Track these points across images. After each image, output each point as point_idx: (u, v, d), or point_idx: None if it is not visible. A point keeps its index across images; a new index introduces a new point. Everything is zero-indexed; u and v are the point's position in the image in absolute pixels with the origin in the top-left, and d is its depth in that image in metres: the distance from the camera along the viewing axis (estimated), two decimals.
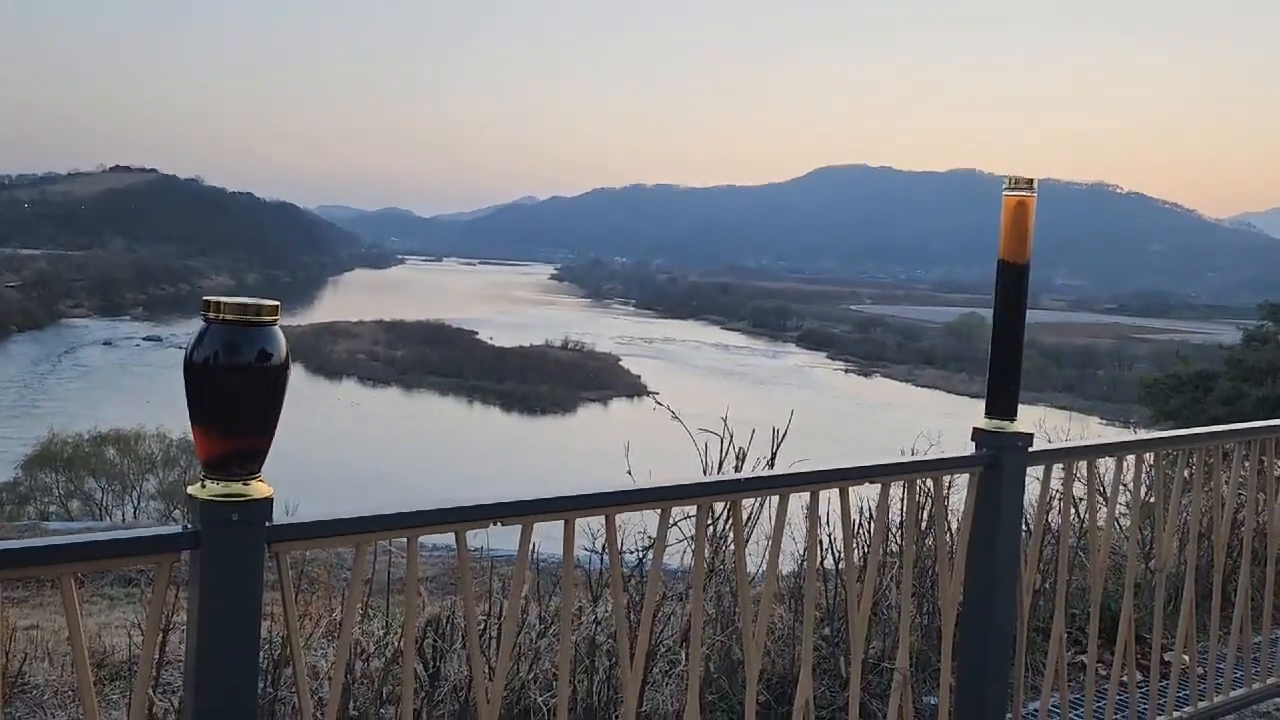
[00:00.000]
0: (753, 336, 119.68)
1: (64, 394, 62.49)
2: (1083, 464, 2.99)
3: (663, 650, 3.22)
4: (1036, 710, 2.95)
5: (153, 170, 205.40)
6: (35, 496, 29.46)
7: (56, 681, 3.28)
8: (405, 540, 1.86)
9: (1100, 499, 3.16)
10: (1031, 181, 2.55)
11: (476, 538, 2.02)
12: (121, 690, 3.26)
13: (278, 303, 1.52)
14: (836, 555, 3.52)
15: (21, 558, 1.51)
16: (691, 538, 2.28)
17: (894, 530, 3.60)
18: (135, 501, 29.81)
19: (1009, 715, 2.75)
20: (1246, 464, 3.40)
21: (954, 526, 2.77)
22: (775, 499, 2.33)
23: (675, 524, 2.38)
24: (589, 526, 2.19)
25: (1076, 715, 3.28)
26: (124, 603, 9.65)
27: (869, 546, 2.75)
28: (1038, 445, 2.70)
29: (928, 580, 3.71)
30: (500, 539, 2.36)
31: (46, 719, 2.96)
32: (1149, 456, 3.13)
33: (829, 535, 3.38)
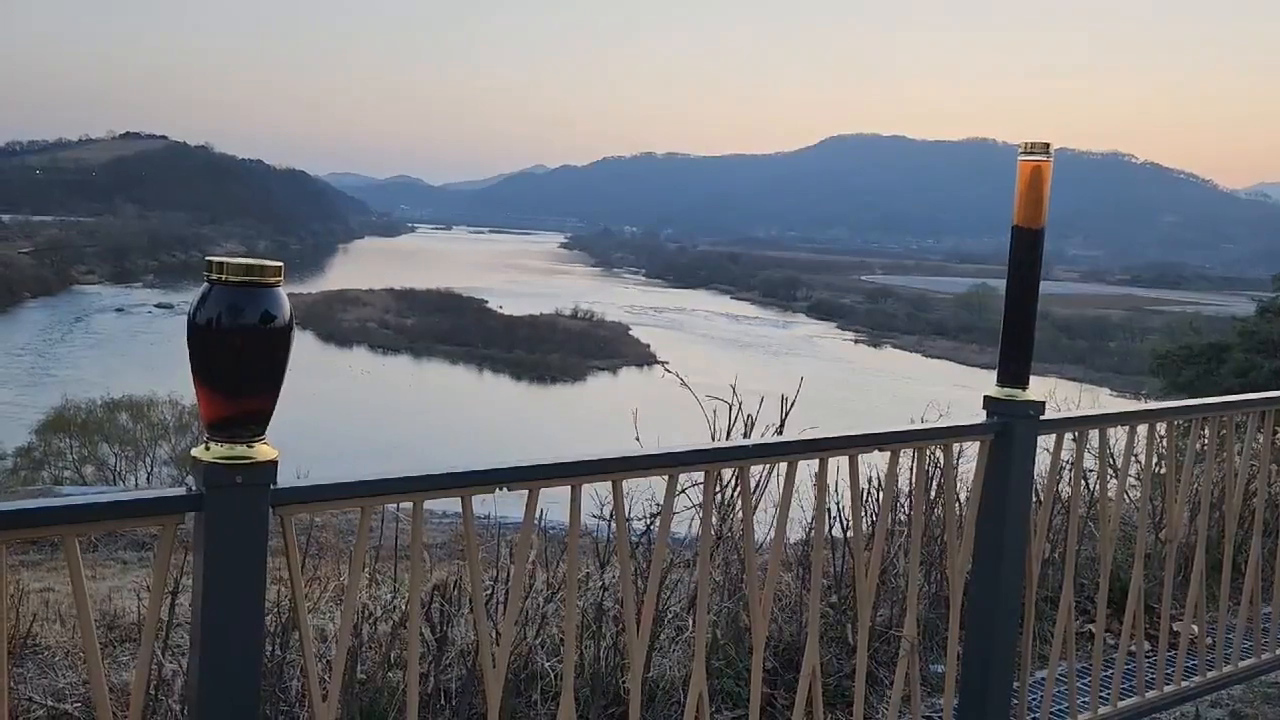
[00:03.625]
0: (762, 306, 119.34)
1: (77, 361, 62.82)
2: (1094, 433, 2.97)
3: (669, 617, 3.22)
4: (1044, 679, 2.95)
5: (163, 137, 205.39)
6: (49, 462, 29.74)
7: (68, 643, 3.31)
8: (411, 505, 1.86)
9: (1111, 469, 3.14)
10: (1048, 146, 2.50)
11: (484, 504, 2.01)
12: (131, 652, 3.28)
13: (281, 264, 1.51)
14: (844, 523, 3.51)
15: (26, 519, 1.51)
16: (699, 505, 2.27)
17: (903, 498, 3.59)
18: (149, 467, 30.06)
19: (1016, 684, 2.75)
20: (1259, 435, 3.37)
21: (963, 495, 2.75)
22: (783, 466, 2.31)
23: (683, 491, 2.37)
24: (596, 493, 2.18)
25: (1084, 684, 3.28)
26: (137, 566, 9.75)
27: (877, 514, 2.74)
28: (1049, 414, 2.68)
29: (936, 548, 3.70)
30: (508, 505, 2.36)
31: (57, 679, 2.98)
32: (1161, 426, 3.10)
33: (837, 503, 3.37)
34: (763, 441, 2.72)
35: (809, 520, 2.47)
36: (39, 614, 3.77)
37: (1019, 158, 2.51)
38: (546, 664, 2.97)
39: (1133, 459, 3.34)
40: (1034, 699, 3.00)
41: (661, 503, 2.18)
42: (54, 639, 3.41)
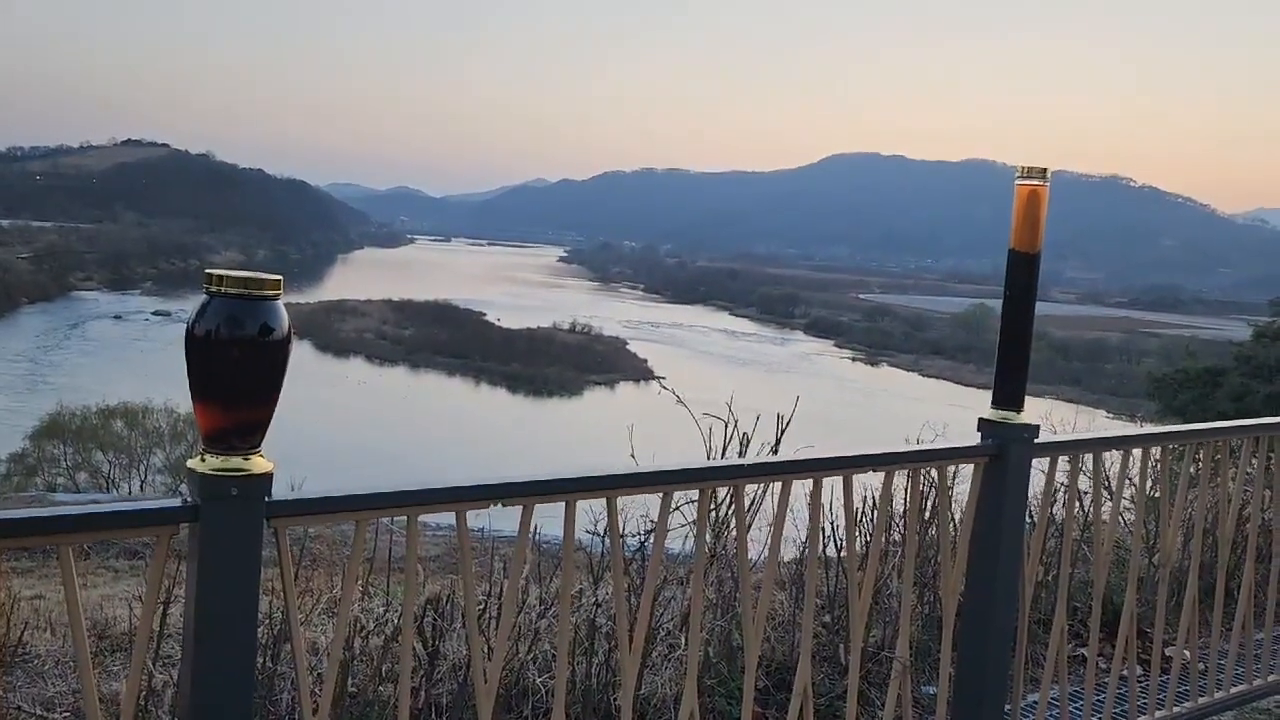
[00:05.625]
0: (760, 323, 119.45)
1: (73, 367, 62.74)
2: (1088, 457, 2.97)
3: (662, 634, 3.22)
4: (1036, 702, 2.94)
5: (164, 145, 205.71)
6: (43, 468, 29.68)
7: (58, 652, 3.30)
8: (406, 518, 1.86)
9: (1105, 492, 3.14)
10: (1045, 171, 2.52)
11: (478, 518, 2.01)
12: (122, 662, 3.27)
13: (280, 277, 1.51)
14: (838, 543, 3.51)
15: (21, 527, 1.51)
16: (693, 522, 2.27)
17: (897, 519, 3.59)
18: (142, 475, 29.99)
19: (1008, 706, 2.75)
20: (1254, 460, 3.38)
21: (957, 517, 2.76)
22: (778, 485, 2.32)
23: (678, 508, 2.37)
24: (591, 509, 2.18)
25: (1076, 708, 3.28)
26: (128, 575, 9.73)
27: (871, 535, 2.74)
28: (1044, 437, 2.69)
29: (929, 570, 3.70)
30: (502, 519, 2.36)
31: (47, 688, 2.97)
32: (1155, 451, 3.11)
33: (831, 523, 3.38)
34: (757, 461, 2.72)
35: (803, 539, 2.47)
36: (29, 622, 3.75)
37: (1016, 182, 2.52)
38: (538, 680, 2.97)
39: (1127, 482, 3.34)
40: None
41: (656, 519, 2.18)
42: (44, 647, 3.40)
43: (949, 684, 2.66)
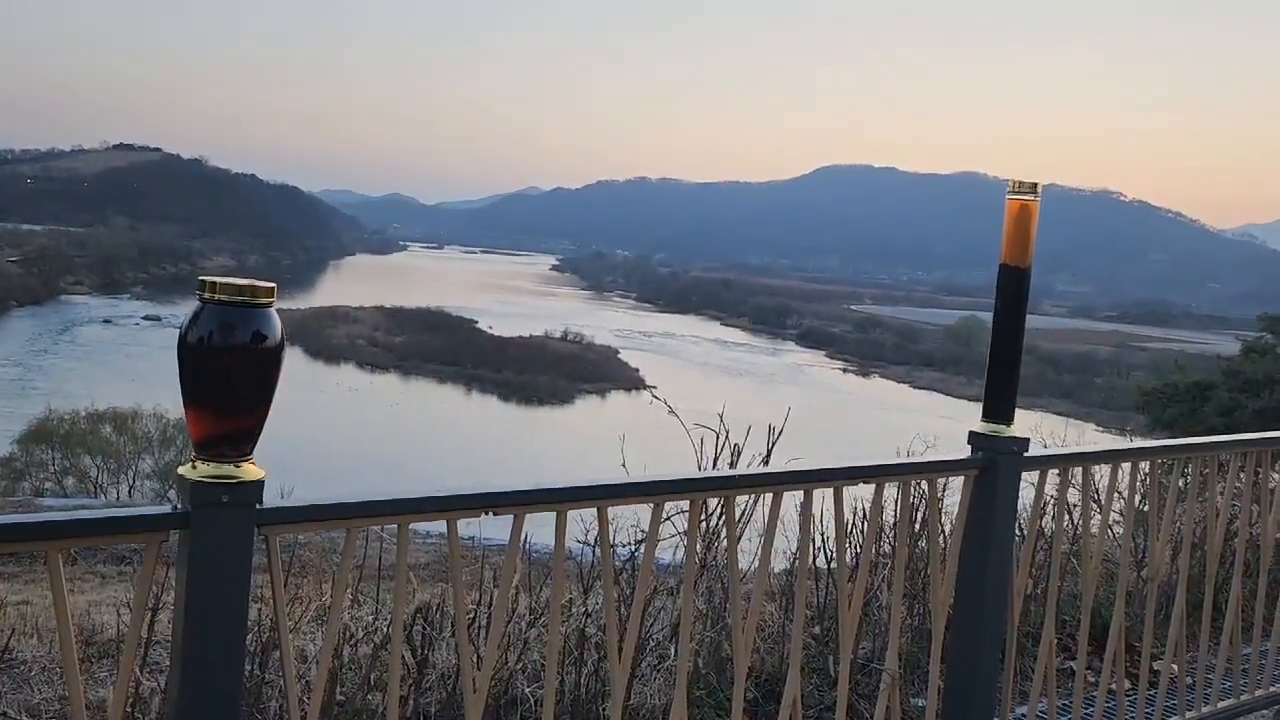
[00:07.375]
0: (752, 333, 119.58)
1: (62, 372, 62.44)
2: (1078, 470, 2.99)
3: (652, 644, 3.22)
4: (1024, 715, 2.95)
5: (157, 149, 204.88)
6: (31, 472, 29.50)
7: (44, 658, 3.28)
8: (396, 526, 1.86)
9: (1094, 506, 3.15)
10: (1035, 186, 2.54)
11: (468, 527, 2.01)
12: (109, 668, 3.25)
13: (273, 284, 1.51)
14: (828, 554, 3.51)
15: (10, 533, 1.51)
16: (684, 532, 2.27)
17: (887, 531, 3.60)
18: (130, 480, 29.87)
19: (996, 719, 2.75)
20: (1242, 475, 3.40)
21: (947, 529, 2.76)
22: (769, 496, 2.32)
23: (668, 518, 2.37)
24: (581, 518, 2.18)
25: None
26: (115, 581, 9.68)
27: (861, 546, 2.75)
28: (1033, 450, 2.70)
29: (919, 582, 3.70)
30: (492, 528, 2.36)
31: (33, 694, 2.95)
32: (1144, 465, 3.12)
33: (822, 534, 3.38)
34: (748, 472, 2.73)
35: (793, 550, 2.47)
36: (15, 627, 3.73)
37: (1007, 196, 2.54)
38: (527, 689, 2.96)
39: (1116, 496, 3.35)
40: None
41: (646, 529, 2.18)
42: (30, 653, 3.38)
43: (938, 696, 2.66)
